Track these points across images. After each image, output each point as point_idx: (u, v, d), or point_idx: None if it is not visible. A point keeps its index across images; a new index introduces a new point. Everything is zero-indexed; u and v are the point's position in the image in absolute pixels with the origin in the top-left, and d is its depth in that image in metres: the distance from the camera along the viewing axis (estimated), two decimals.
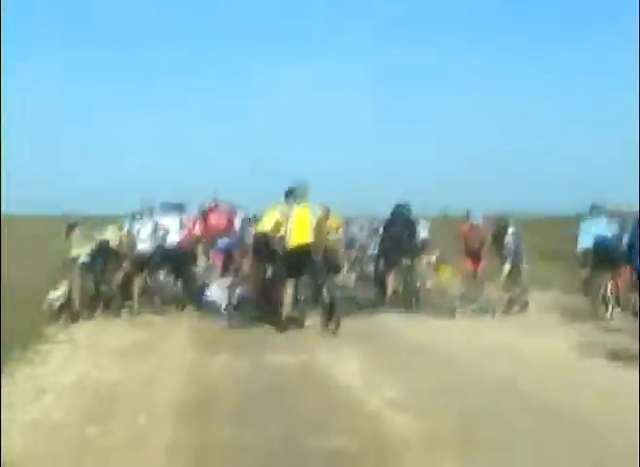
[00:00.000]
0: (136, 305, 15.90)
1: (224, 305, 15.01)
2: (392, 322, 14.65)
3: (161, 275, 16.78)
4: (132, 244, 16.24)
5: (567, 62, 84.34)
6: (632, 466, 5.98)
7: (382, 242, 17.06)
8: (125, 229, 16.49)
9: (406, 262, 16.43)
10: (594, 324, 13.89)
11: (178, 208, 17.09)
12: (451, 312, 15.42)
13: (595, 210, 15.53)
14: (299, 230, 13.65)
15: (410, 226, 16.78)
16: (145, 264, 16.24)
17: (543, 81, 79.86)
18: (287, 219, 13.72)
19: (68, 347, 12.09)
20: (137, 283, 16.06)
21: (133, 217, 16.56)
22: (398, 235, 16.48)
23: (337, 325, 13.24)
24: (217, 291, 15.81)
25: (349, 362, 10.47)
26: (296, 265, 13.72)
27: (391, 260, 16.50)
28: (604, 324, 13.90)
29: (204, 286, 16.41)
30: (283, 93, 79.76)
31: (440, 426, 7.19)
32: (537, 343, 12.05)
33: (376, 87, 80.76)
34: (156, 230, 16.37)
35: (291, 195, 14.07)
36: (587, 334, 12.84)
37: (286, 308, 13.66)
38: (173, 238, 16.49)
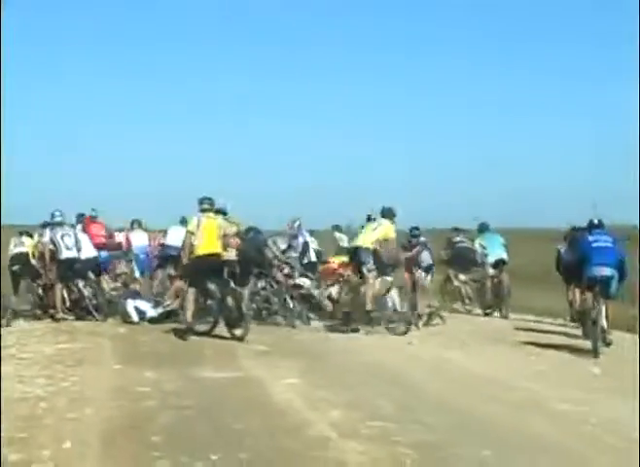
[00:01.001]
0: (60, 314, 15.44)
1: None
2: None
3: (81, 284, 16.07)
4: (57, 252, 15.72)
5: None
6: None
7: None
8: (47, 238, 15.88)
9: None
10: None
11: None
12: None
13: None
14: (206, 239, 13.34)
15: None
16: (70, 271, 15.78)
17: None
18: (197, 229, 13.41)
19: None
20: (61, 291, 15.63)
21: (52, 226, 16.00)
22: None
23: (245, 333, 12.90)
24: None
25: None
26: (201, 273, 13.43)
27: None
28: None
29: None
30: None
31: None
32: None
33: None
34: (77, 239, 16.00)
35: (200, 205, 13.75)
36: None
37: (188, 317, 13.34)
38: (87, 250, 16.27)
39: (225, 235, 13.71)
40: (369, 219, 15.68)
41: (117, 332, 14.29)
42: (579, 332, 14.05)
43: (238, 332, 13.02)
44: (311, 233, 17.67)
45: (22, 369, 10.26)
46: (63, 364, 10.63)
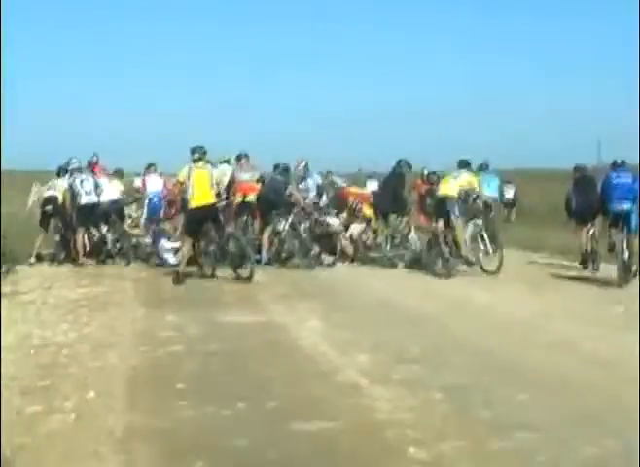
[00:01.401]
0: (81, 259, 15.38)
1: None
2: None
3: (104, 229, 15.94)
4: (77, 198, 15.55)
5: None
6: None
7: None
8: (67, 183, 15.76)
9: None
10: None
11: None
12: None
13: None
14: (198, 191, 13.04)
15: None
16: (91, 216, 15.68)
17: None
18: (188, 179, 13.12)
19: None
20: (82, 236, 15.52)
21: (71, 172, 15.83)
22: None
23: (251, 274, 12.78)
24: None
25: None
26: (197, 222, 13.22)
27: None
28: None
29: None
30: None
31: None
32: None
33: None
34: (97, 185, 15.79)
35: (191, 155, 13.36)
36: None
37: (182, 265, 13.18)
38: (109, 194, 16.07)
39: (217, 184, 13.42)
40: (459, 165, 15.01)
41: (139, 276, 13.98)
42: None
43: (245, 273, 12.80)
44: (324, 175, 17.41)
45: (45, 314, 10.02)
46: (87, 308, 10.38)
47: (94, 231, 15.70)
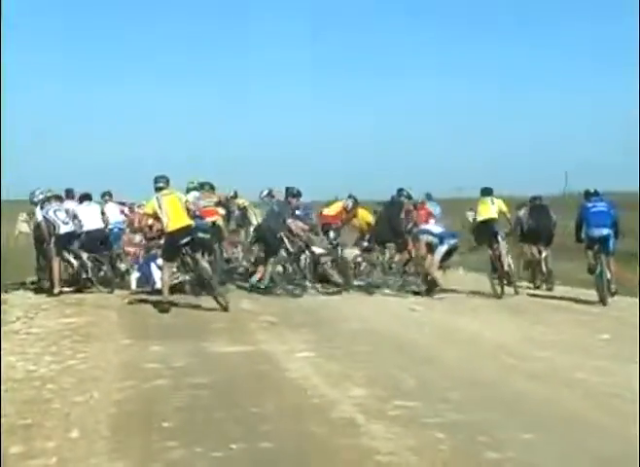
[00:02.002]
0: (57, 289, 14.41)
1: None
2: None
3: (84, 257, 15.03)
4: (55, 228, 14.61)
5: None
6: None
7: None
8: (40, 216, 14.69)
9: None
10: None
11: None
12: None
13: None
14: (173, 215, 12.58)
15: None
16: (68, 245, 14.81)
17: None
18: (160, 209, 12.63)
19: None
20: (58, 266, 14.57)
21: (41, 204, 14.75)
22: None
23: (224, 301, 12.37)
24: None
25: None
26: (177, 245, 12.64)
27: None
28: None
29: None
30: None
31: None
32: None
33: None
34: (73, 214, 14.99)
35: (155, 184, 12.96)
36: None
37: (165, 292, 12.72)
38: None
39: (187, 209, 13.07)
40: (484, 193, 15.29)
41: (123, 304, 13.41)
42: None
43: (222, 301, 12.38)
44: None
45: (28, 346, 9.45)
46: (71, 339, 9.84)
47: (72, 259, 14.88)
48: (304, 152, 78.66)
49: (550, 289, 15.18)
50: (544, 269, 15.49)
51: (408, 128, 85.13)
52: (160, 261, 14.04)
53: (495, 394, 6.91)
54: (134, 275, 14.64)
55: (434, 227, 14.92)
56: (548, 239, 15.57)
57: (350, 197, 16.95)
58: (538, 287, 15.51)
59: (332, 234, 16.36)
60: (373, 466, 5.04)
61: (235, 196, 17.31)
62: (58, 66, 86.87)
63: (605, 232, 13.39)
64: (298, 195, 15.40)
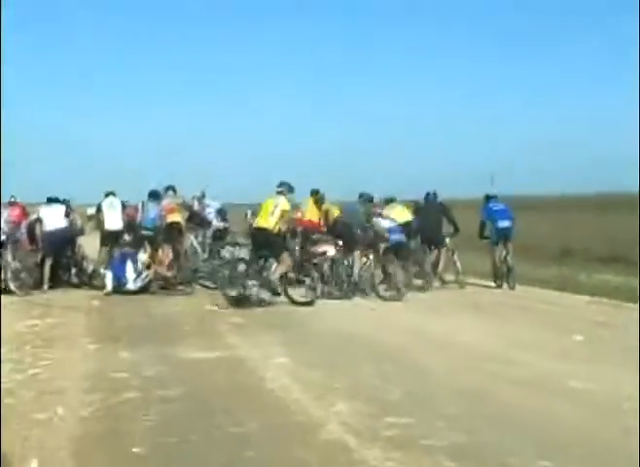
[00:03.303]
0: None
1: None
2: None
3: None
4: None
5: None
6: None
7: None
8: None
9: None
10: None
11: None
12: None
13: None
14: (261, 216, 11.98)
15: None
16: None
17: None
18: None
19: None
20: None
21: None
22: None
23: None
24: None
25: None
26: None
27: None
28: None
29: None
30: None
31: None
32: None
33: None
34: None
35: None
36: None
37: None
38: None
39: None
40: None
41: (91, 304, 12.21)
42: None
43: None
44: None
45: None
46: (32, 344, 8.66)
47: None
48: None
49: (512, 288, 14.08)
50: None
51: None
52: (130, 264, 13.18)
53: (490, 408, 5.94)
54: (109, 276, 13.42)
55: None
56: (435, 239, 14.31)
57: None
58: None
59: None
60: None
61: (203, 196, 16.45)
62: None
63: (507, 223, 14.43)
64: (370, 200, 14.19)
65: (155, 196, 14.26)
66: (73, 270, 14.21)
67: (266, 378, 6.95)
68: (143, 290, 13.21)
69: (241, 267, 12.22)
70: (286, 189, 12.18)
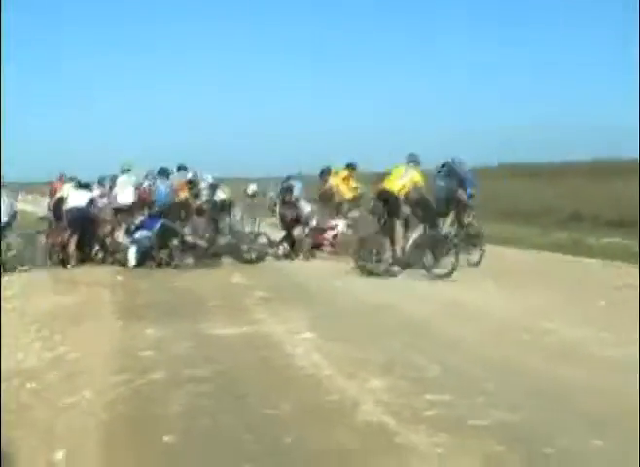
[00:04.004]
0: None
1: None
2: None
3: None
4: None
5: None
6: None
7: None
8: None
9: None
10: None
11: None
12: None
13: None
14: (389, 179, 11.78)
15: None
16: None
17: None
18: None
19: None
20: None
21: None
22: None
23: None
24: None
25: None
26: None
27: None
28: None
29: None
30: None
31: None
32: None
33: None
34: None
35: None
36: None
37: None
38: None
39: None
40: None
41: (115, 280, 11.75)
42: None
43: None
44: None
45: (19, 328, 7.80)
46: (60, 321, 8.19)
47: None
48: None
49: None
50: None
51: None
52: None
53: (527, 381, 5.45)
54: (132, 250, 12.96)
55: None
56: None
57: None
58: None
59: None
60: None
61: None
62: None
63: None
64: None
65: (164, 173, 13.98)
66: (97, 247, 13.79)
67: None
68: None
69: None
70: (416, 160, 11.93)
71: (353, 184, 15.71)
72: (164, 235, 12.89)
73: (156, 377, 5.81)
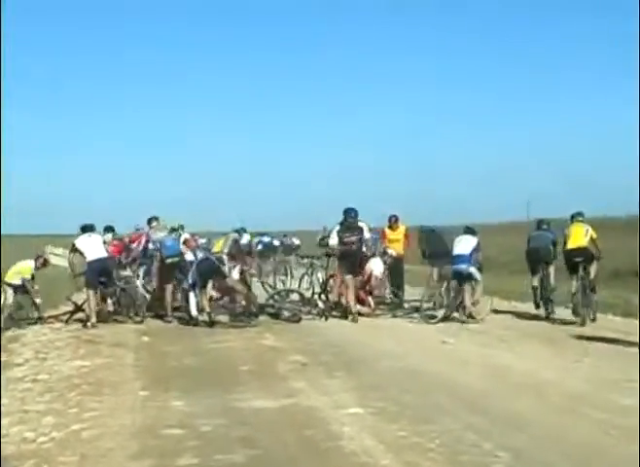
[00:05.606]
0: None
1: None
2: None
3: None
4: None
5: None
6: None
7: None
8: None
9: None
10: None
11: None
12: None
13: None
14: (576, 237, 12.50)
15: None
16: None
17: None
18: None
19: None
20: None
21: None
22: None
23: None
24: None
25: None
26: None
27: None
28: None
29: None
30: None
31: None
32: None
33: None
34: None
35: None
36: None
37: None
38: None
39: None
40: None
41: (141, 341, 10.88)
42: None
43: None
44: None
45: (30, 399, 6.96)
46: (78, 391, 7.32)
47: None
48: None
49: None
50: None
51: None
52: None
53: None
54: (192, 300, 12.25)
55: None
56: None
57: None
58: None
59: None
60: None
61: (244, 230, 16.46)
62: None
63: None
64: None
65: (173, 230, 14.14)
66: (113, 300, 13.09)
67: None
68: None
69: None
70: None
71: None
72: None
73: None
